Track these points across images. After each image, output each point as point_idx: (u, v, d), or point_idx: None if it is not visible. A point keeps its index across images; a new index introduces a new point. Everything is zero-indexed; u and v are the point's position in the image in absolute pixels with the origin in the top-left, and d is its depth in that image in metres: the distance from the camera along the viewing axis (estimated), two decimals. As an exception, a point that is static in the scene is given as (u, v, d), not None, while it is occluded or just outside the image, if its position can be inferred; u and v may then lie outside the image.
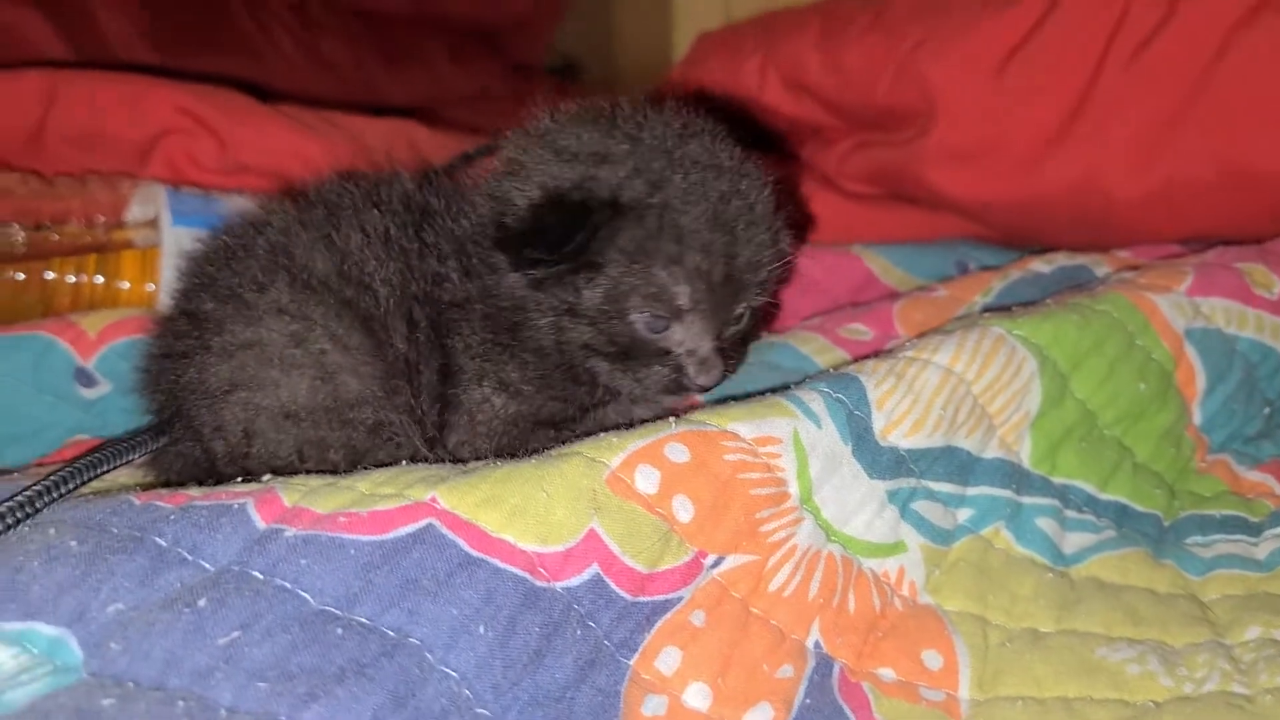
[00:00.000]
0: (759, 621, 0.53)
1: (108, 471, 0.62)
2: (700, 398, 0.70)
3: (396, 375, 0.64)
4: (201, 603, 0.44)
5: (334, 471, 0.59)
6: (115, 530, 0.48)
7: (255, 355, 0.62)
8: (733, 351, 0.68)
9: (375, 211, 0.67)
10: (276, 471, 0.59)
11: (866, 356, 0.64)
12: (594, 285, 0.63)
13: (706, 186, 0.63)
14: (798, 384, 0.59)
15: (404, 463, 0.56)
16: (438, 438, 0.66)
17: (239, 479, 0.55)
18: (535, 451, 0.54)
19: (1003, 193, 0.97)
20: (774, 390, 0.59)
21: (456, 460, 0.57)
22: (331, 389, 0.62)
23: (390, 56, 2.04)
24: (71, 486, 0.57)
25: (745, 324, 0.68)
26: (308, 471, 0.60)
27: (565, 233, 0.61)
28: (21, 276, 0.87)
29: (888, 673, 0.54)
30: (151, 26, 1.64)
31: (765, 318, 0.76)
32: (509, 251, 0.63)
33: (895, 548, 0.58)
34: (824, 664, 0.53)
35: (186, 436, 0.65)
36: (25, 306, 0.88)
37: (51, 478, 0.56)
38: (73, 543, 0.47)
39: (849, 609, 0.55)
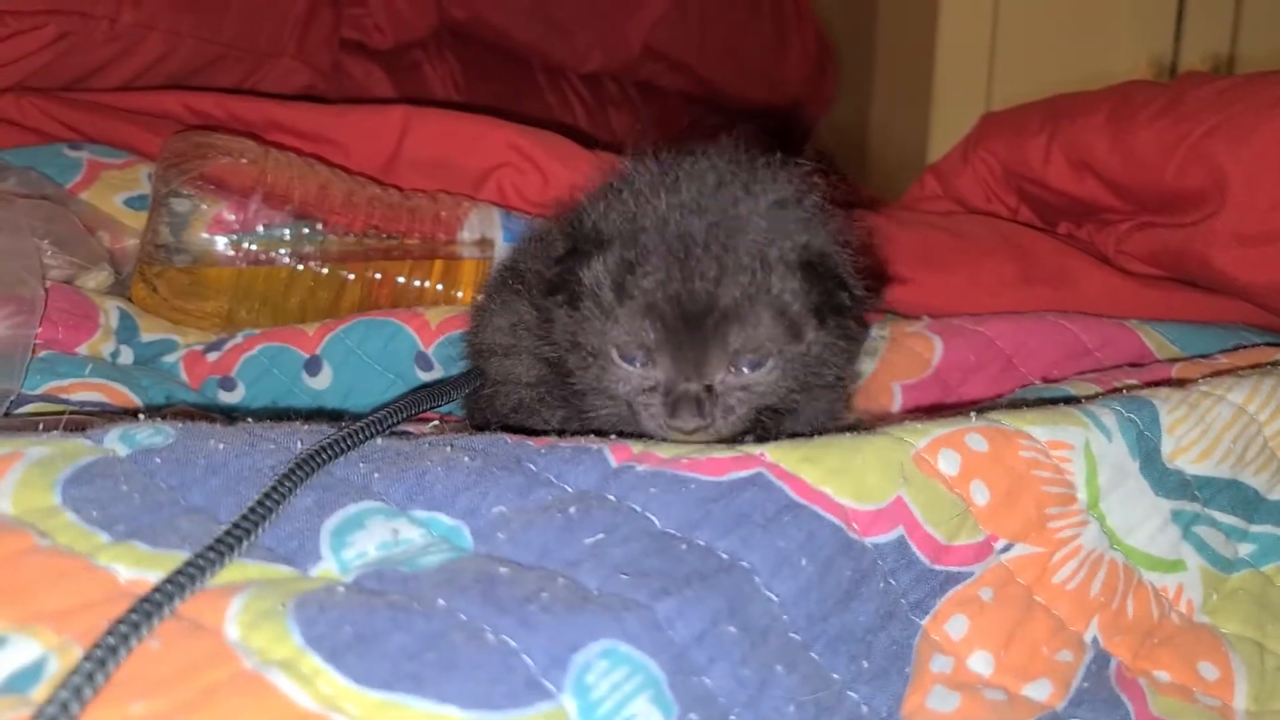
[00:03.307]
0: (1041, 609, 0.57)
1: (443, 404, 0.74)
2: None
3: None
4: (571, 510, 0.53)
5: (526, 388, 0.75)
6: (496, 455, 0.58)
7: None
8: (744, 399, 0.64)
9: None
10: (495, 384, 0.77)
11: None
12: (576, 318, 0.65)
13: (678, 221, 0.62)
14: (1090, 399, 0.64)
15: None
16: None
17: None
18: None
19: (1292, 277, 0.98)
20: (1066, 402, 0.64)
21: None
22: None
23: (668, 131, 2.19)
24: (414, 411, 0.68)
25: (767, 374, 0.63)
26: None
27: (554, 266, 0.66)
28: (378, 276, 1.01)
29: (1163, 675, 0.57)
30: (468, 87, 1.84)
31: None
32: None
33: (1175, 565, 0.61)
34: (1101, 657, 0.57)
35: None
36: (376, 304, 1.02)
37: (401, 401, 0.67)
38: (465, 458, 0.57)
39: (1127, 613, 0.59)
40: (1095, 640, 0.58)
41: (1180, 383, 0.68)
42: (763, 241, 0.62)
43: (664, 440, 0.62)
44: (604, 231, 0.65)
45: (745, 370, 0.63)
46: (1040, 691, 0.55)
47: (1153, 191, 1.11)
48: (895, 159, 2.24)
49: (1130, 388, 0.78)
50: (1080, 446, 0.60)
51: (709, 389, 0.62)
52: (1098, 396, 0.65)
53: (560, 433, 0.66)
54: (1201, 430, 0.63)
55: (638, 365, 0.63)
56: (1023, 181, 1.24)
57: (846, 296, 0.63)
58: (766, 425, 0.66)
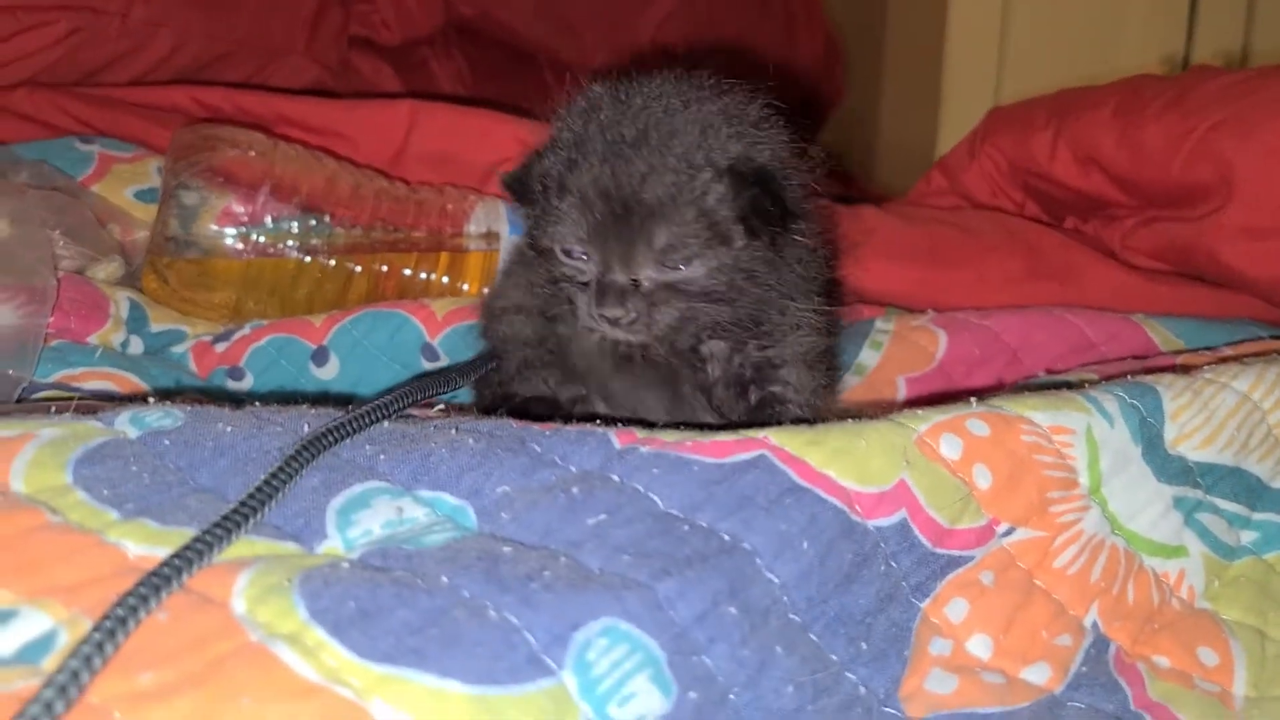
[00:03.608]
0: (1041, 593, 0.57)
1: (449, 390, 0.75)
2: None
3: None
4: (574, 490, 0.53)
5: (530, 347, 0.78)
6: (501, 437, 0.58)
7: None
8: (670, 298, 0.67)
9: None
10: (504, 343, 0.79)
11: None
12: (530, 221, 0.71)
13: (617, 126, 0.66)
14: (1094, 384, 0.64)
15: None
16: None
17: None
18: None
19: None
20: (1069, 387, 0.64)
21: None
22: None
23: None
24: (421, 396, 0.69)
25: (692, 273, 0.66)
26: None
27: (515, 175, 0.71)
28: (385, 269, 1.02)
29: (1162, 660, 0.57)
30: (475, 84, 1.84)
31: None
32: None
33: (1177, 551, 0.61)
34: (1100, 641, 0.57)
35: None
36: (382, 295, 1.02)
37: (408, 386, 0.68)
38: (470, 440, 0.57)
39: (1128, 598, 0.59)
40: (1095, 625, 0.58)
41: (1185, 370, 0.68)
42: (692, 146, 0.66)
43: (596, 332, 0.69)
44: (558, 137, 0.69)
45: (680, 268, 0.66)
46: (1039, 675, 0.55)
47: (1159, 186, 1.11)
48: (904, 156, 2.23)
49: (1134, 373, 0.78)
50: (1082, 431, 0.60)
51: (636, 284, 0.66)
52: (1100, 383, 0.65)
53: (568, 419, 0.67)
54: (1205, 417, 0.64)
55: (577, 259, 0.68)
56: (1029, 176, 1.25)
57: (771, 202, 0.66)
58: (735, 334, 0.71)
